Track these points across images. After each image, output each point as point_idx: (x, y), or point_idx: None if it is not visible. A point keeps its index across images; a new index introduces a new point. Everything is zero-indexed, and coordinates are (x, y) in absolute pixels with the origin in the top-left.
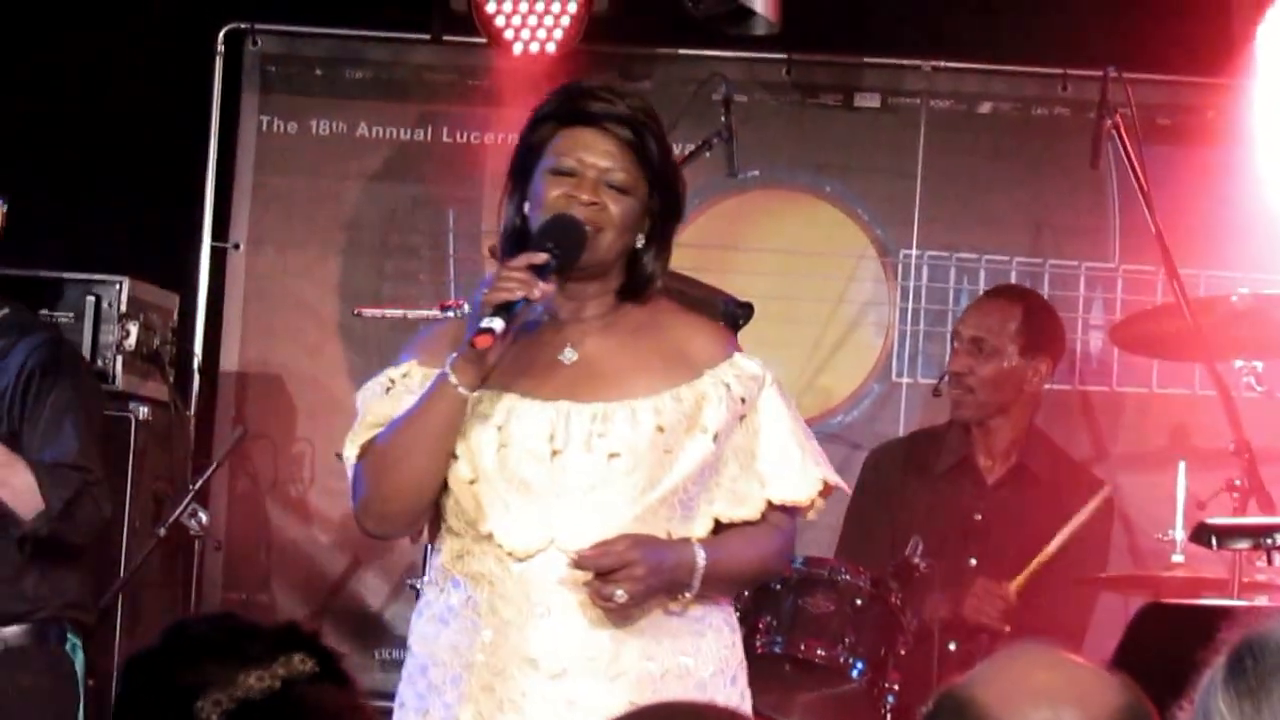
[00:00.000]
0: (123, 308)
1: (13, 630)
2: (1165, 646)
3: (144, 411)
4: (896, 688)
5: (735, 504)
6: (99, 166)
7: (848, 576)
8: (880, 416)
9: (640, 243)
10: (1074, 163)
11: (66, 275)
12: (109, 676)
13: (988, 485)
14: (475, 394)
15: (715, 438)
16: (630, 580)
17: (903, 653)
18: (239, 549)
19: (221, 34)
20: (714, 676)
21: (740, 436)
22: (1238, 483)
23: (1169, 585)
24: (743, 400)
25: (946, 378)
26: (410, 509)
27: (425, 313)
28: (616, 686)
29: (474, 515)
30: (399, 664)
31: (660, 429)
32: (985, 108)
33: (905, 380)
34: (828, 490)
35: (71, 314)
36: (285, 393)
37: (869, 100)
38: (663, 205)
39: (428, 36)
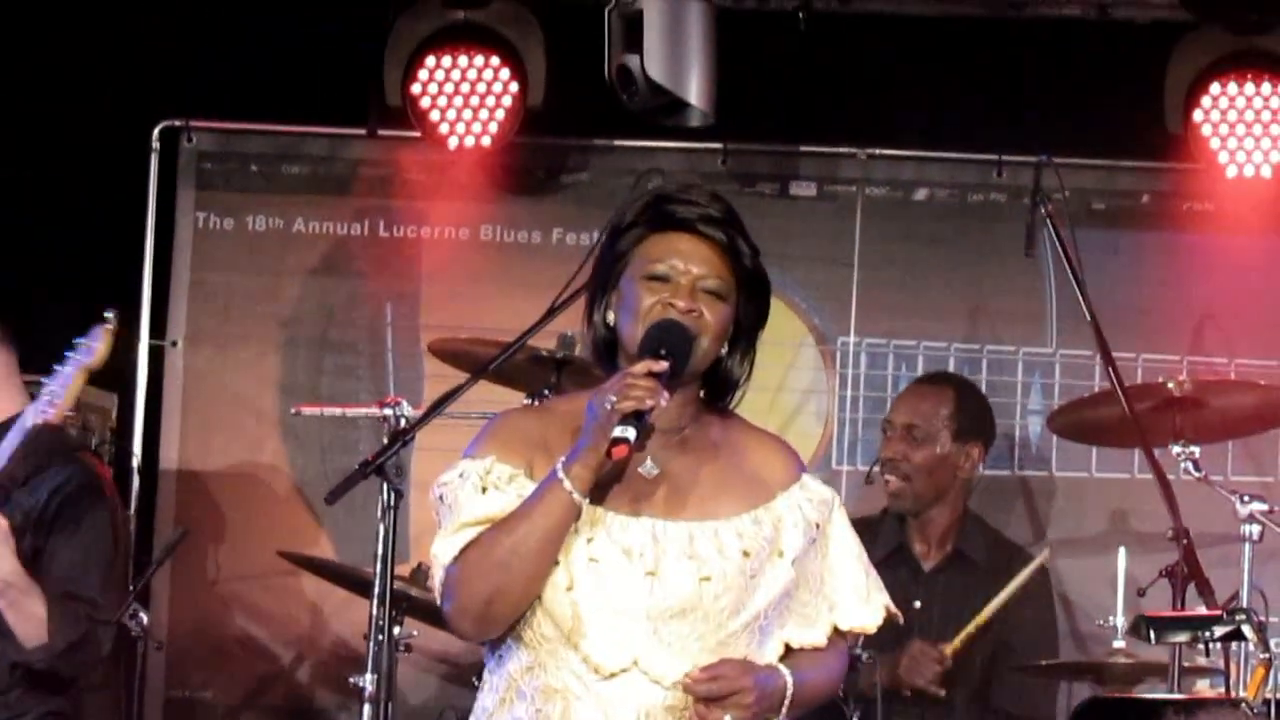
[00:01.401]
0: None
1: None
2: None
3: None
4: None
5: (806, 629)
6: (34, 265)
7: None
8: None
9: (724, 349)
10: (1010, 248)
11: None
12: None
13: (925, 572)
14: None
15: (793, 563)
16: (739, 707)
17: None
18: (181, 647)
19: (156, 131)
20: None
21: (811, 561)
22: (1176, 569)
23: (1110, 672)
24: (817, 525)
25: (879, 465)
26: (513, 612)
27: (364, 410)
28: None
29: (568, 627)
30: None
31: (746, 554)
32: (921, 194)
33: (845, 468)
34: (889, 617)
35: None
36: (225, 490)
37: (805, 189)
38: (749, 309)
39: (363, 131)
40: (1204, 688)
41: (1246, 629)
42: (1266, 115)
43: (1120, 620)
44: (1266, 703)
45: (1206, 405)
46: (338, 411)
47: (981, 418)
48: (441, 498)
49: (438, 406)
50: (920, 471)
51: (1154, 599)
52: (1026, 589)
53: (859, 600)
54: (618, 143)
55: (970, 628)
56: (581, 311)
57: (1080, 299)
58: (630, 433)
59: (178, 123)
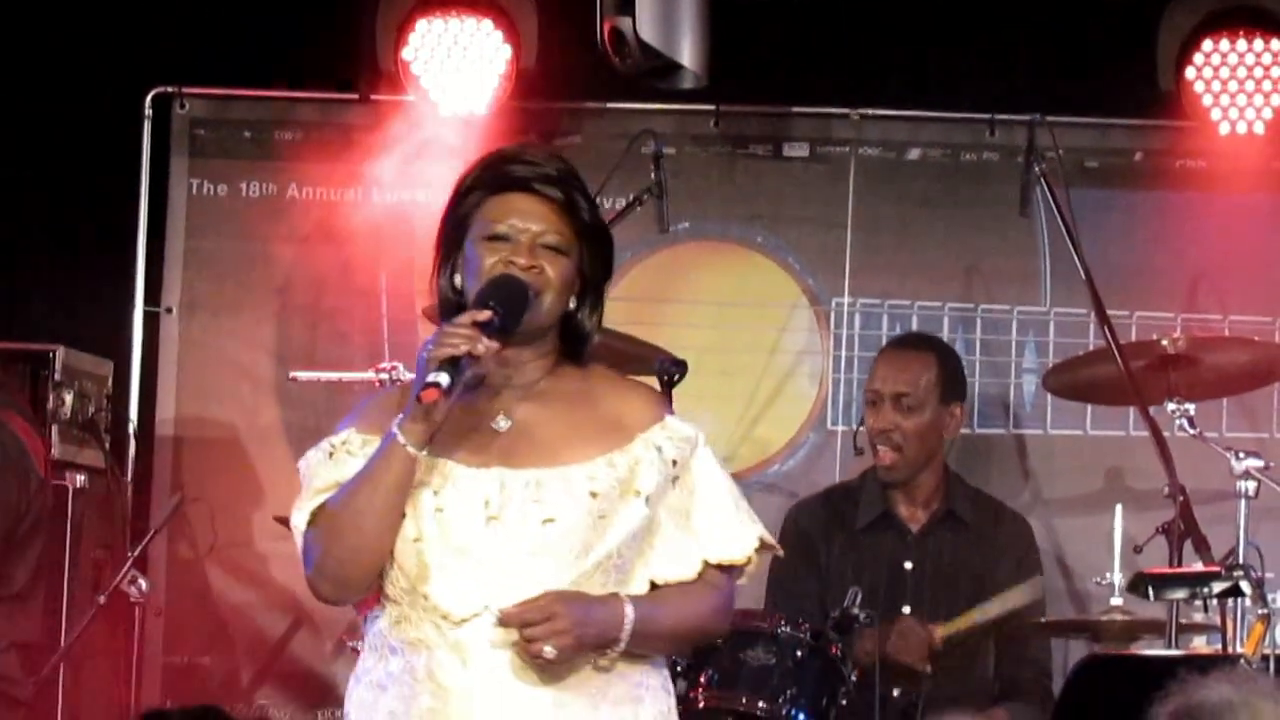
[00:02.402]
0: (58, 376)
1: None
2: (1105, 700)
3: (81, 480)
4: None
5: (672, 564)
6: (28, 234)
7: (788, 629)
8: (817, 465)
9: (573, 303)
10: (1004, 208)
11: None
12: None
13: (913, 534)
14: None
15: (648, 500)
16: (556, 635)
17: (844, 703)
18: (180, 614)
19: (149, 98)
20: None
21: (674, 497)
22: (1173, 526)
23: (1108, 630)
24: (674, 462)
25: (866, 435)
26: (367, 573)
27: (360, 375)
28: None
29: (414, 576)
30: None
31: (594, 495)
32: (914, 154)
33: (840, 428)
34: (764, 548)
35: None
36: (221, 456)
37: (798, 150)
38: (594, 263)
39: (356, 96)
40: (1200, 645)
41: (1244, 584)
42: (1259, 71)
43: (1117, 578)
44: (1265, 658)
45: (1201, 362)
46: (334, 376)
47: (960, 377)
48: (300, 472)
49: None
50: (912, 439)
51: (1150, 556)
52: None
53: (728, 531)
54: (610, 105)
55: (964, 623)
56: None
57: (1074, 257)
58: (443, 378)
59: (170, 89)
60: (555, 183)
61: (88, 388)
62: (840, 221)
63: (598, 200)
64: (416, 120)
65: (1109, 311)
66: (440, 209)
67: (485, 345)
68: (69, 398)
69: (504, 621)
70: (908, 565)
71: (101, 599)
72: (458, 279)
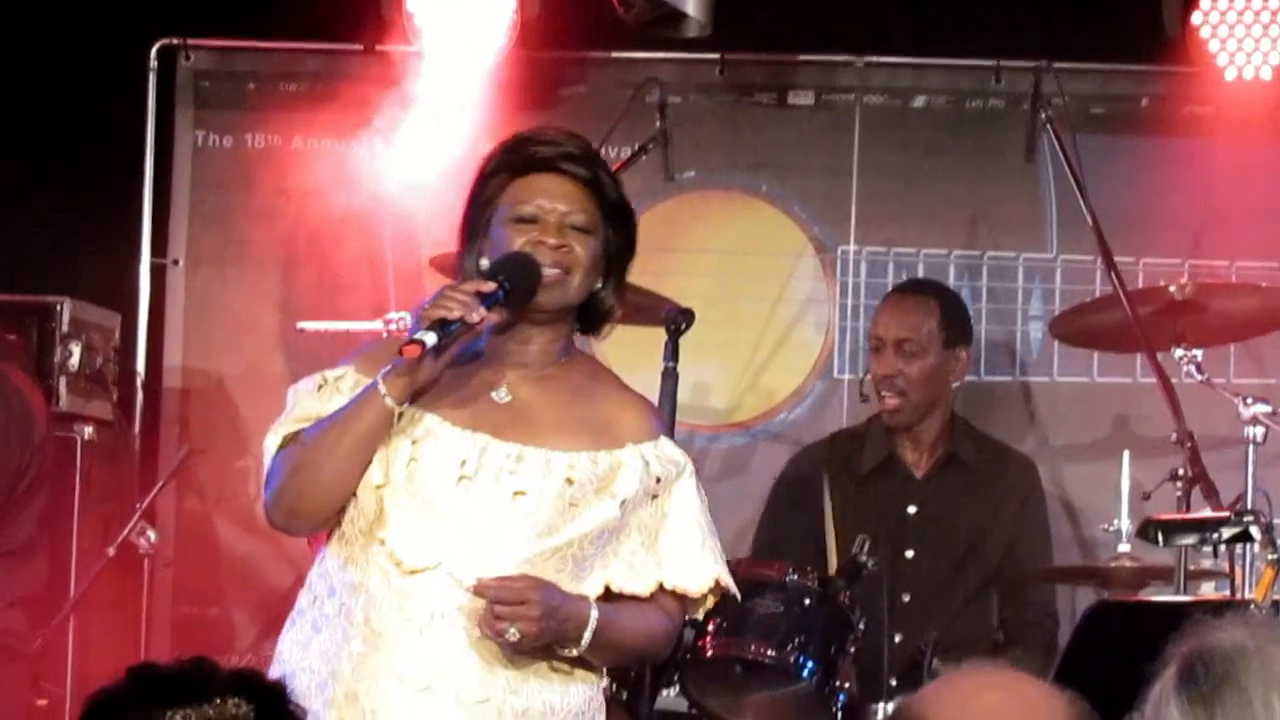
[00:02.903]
0: (64, 328)
1: None
2: (1114, 646)
3: (88, 432)
4: (847, 686)
5: (629, 576)
6: (34, 187)
7: (796, 577)
8: (823, 414)
9: (600, 282)
10: (1009, 155)
11: (6, 298)
12: (61, 699)
13: (917, 479)
14: (403, 409)
15: (622, 504)
16: (524, 620)
17: (853, 651)
18: (189, 565)
19: (154, 50)
20: (575, 717)
21: (648, 514)
22: (1181, 472)
23: (1116, 576)
24: (658, 480)
25: (871, 382)
26: (320, 509)
27: (367, 325)
28: (480, 712)
29: (372, 519)
30: None
31: (570, 481)
32: (919, 102)
33: (847, 376)
34: (718, 590)
35: (14, 336)
36: (229, 407)
37: (803, 98)
38: (619, 241)
39: (360, 47)
40: (1209, 591)
41: (1254, 530)
42: (1266, 16)
43: (1125, 524)
44: (1275, 604)
45: (1208, 308)
46: (341, 327)
47: (965, 321)
48: (287, 396)
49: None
50: (916, 385)
51: (1158, 503)
52: (1026, 513)
53: (690, 562)
54: (615, 55)
55: None
56: None
57: (1081, 204)
58: (429, 337)
59: (175, 41)
60: (579, 161)
61: (95, 340)
62: (846, 169)
63: (602, 150)
64: (421, 71)
65: (1116, 258)
66: (443, 156)
67: (480, 315)
68: (76, 350)
69: (478, 592)
70: (911, 510)
71: (110, 551)
72: (484, 262)
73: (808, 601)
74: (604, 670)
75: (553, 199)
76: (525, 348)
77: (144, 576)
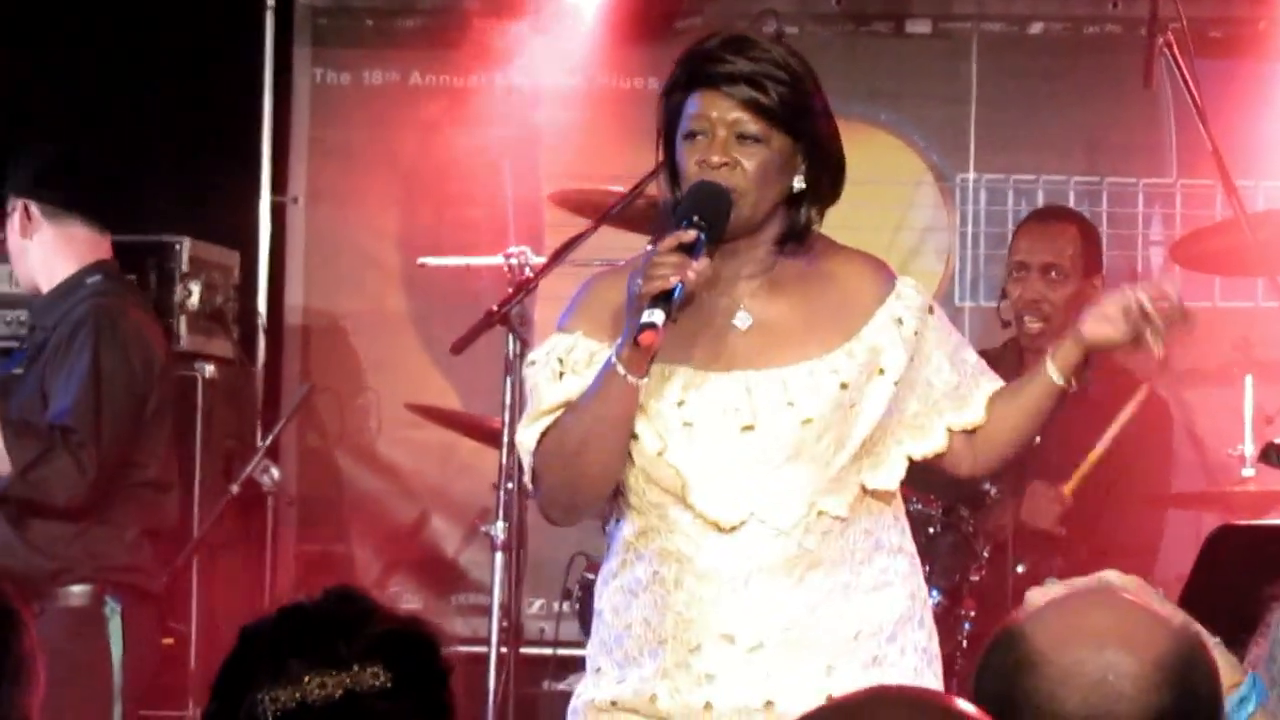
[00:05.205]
0: (184, 268)
1: (50, 590)
2: (1238, 570)
3: (210, 370)
4: (972, 614)
5: (922, 440)
6: (154, 127)
7: (920, 506)
8: None
9: (799, 185)
10: (1127, 80)
11: (127, 238)
12: (186, 637)
13: None
14: (647, 379)
15: (896, 382)
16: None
17: (976, 579)
18: (312, 502)
19: None
20: (902, 624)
21: (914, 370)
22: None
23: (1239, 500)
24: (916, 333)
25: (1010, 305)
26: (597, 495)
27: (487, 260)
28: (813, 654)
29: (668, 487)
30: (476, 609)
31: (844, 386)
32: (1036, 29)
33: (968, 305)
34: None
35: (133, 276)
36: (350, 344)
37: (920, 26)
38: (812, 151)
39: None
40: None
41: None
42: None
43: (1248, 448)
44: None
45: None
46: (461, 262)
47: (1099, 250)
48: (526, 381)
49: (561, 254)
50: (1059, 310)
51: None
52: (1137, 418)
53: (961, 402)
54: None
55: (1085, 467)
56: None
57: (1201, 128)
58: (657, 316)
59: None
60: (745, 80)
61: (215, 278)
62: (964, 98)
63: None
64: (538, 5)
65: (1236, 181)
66: (560, 90)
67: (695, 270)
68: (195, 288)
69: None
70: (1037, 438)
71: (234, 489)
72: (672, 186)
73: (932, 530)
74: (919, 563)
75: (717, 109)
76: (740, 261)
77: (267, 514)
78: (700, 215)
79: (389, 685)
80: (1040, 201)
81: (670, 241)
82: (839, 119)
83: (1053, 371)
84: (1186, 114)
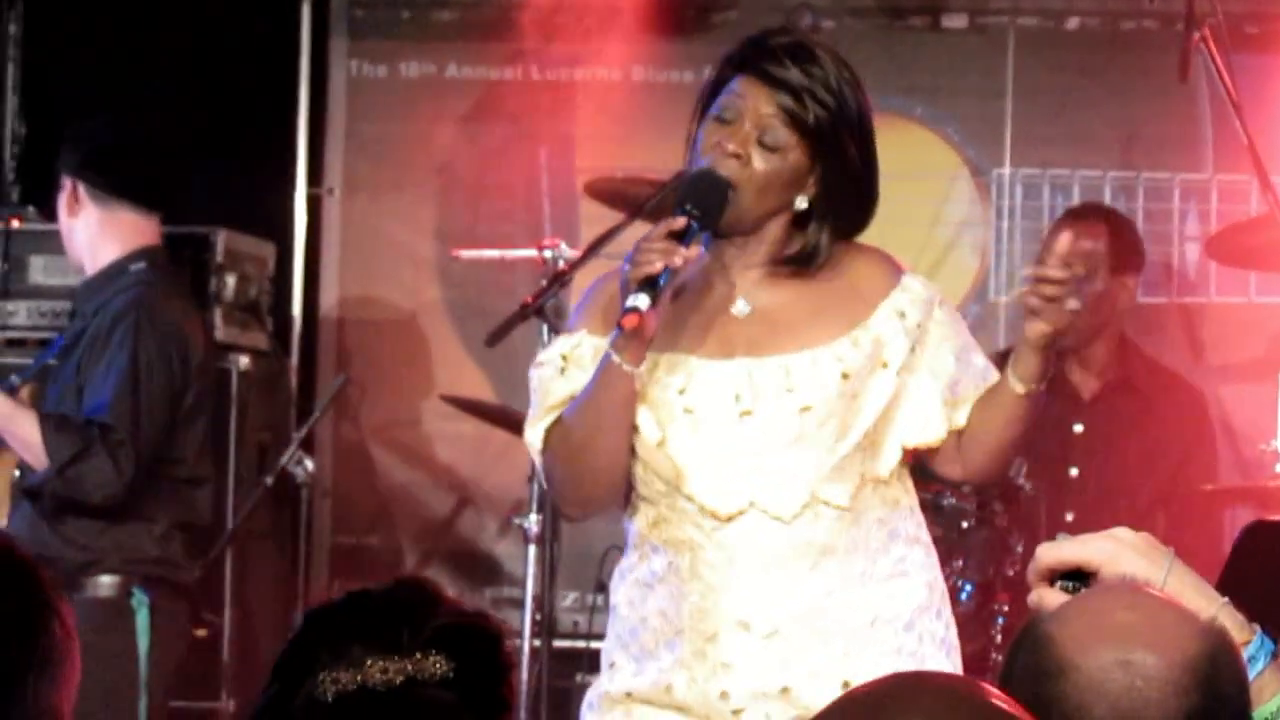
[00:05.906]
0: (220, 259)
1: (79, 581)
2: (1270, 565)
3: (244, 362)
4: (1006, 609)
5: (921, 429)
6: (190, 118)
7: (954, 500)
8: (979, 337)
9: (802, 205)
10: (1164, 75)
11: (162, 229)
12: (219, 629)
13: (1084, 400)
14: (650, 359)
15: (898, 373)
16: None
17: (1011, 574)
18: (346, 494)
19: None
20: (920, 613)
21: (916, 361)
22: None
23: (1273, 496)
24: (918, 325)
25: None
26: (609, 488)
27: (522, 253)
28: (828, 641)
29: (670, 477)
30: (509, 602)
31: (845, 375)
32: (1073, 24)
33: (1003, 299)
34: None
35: None
36: (384, 336)
37: (956, 21)
38: (828, 178)
39: None
40: None
41: None
42: None
43: None
44: None
45: None
46: (496, 254)
47: (1134, 246)
48: (530, 382)
49: (596, 247)
50: (1083, 309)
51: None
52: (1193, 435)
53: (955, 400)
54: None
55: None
56: None
57: (1236, 123)
58: (641, 301)
59: None
60: (791, 90)
61: (249, 270)
62: (1000, 92)
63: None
64: None
65: (1272, 177)
66: (598, 83)
67: (683, 256)
68: (231, 280)
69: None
70: (1078, 428)
71: (268, 481)
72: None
73: (966, 524)
74: (935, 555)
75: (752, 101)
76: (743, 251)
77: (302, 506)
78: (695, 204)
79: (450, 675)
80: (1076, 196)
81: (661, 229)
82: (875, 113)
83: (1014, 382)
84: (1222, 109)
